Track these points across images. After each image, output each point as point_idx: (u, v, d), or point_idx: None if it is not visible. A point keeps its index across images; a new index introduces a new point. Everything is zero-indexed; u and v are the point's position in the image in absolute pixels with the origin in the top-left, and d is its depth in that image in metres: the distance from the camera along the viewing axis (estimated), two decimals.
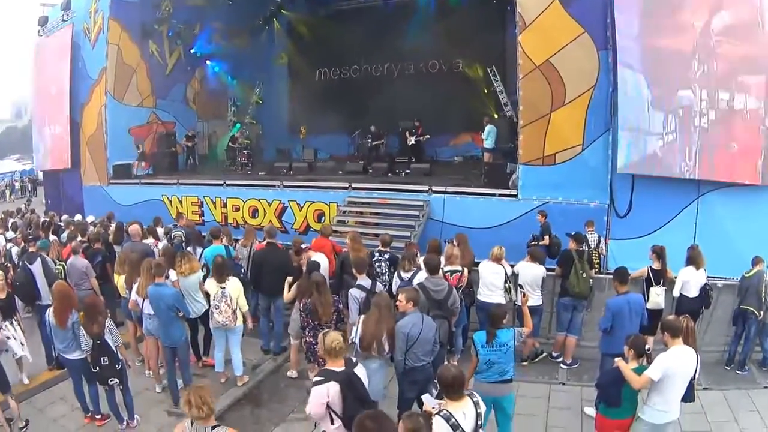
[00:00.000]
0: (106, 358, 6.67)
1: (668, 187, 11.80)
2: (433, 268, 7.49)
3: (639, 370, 5.49)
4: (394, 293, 7.99)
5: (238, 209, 16.36)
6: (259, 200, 16.12)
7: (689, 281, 8.55)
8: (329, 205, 15.07)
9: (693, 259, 8.65)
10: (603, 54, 12.29)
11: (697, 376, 5.64)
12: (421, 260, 8.15)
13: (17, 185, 38.59)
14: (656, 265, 8.68)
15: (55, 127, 21.80)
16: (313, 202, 15.41)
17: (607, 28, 12.22)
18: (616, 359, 5.74)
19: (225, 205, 16.59)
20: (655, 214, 11.90)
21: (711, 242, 9.19)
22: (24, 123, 72.32)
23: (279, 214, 15.77)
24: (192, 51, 22.49)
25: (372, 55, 23.49)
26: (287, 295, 8.36)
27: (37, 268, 9.36)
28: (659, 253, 8.72)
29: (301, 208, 15.51)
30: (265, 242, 9.75)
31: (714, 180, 11.48)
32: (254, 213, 16.11)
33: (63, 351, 6.98)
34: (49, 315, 6.93)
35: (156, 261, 7.95)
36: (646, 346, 5.67)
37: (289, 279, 8.45)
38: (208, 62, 23.41)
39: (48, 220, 15.58)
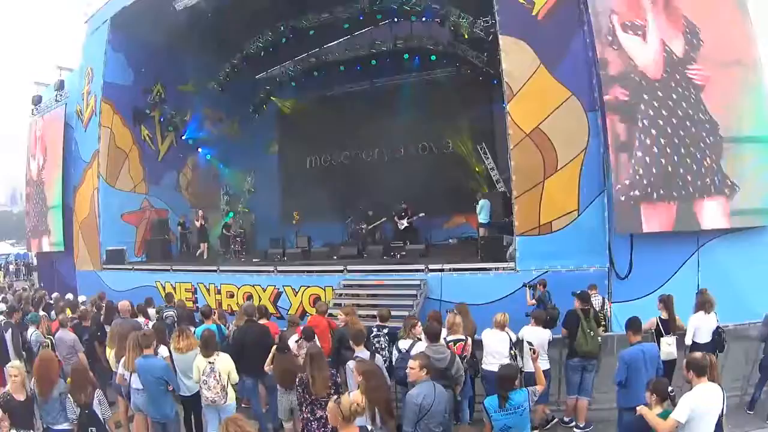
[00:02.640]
0: (93, 429, 6.30)
1: (668, 241, 11.81)
2: (433, 336, 7.18)
3: (664, 415, 5.16)
4: (394, 366, 7.76)
5: (232, 295, 16.06)
6: (253, 286, 15.82)
7: (700, 327, 8.35)
8: (324, 289, 14.78)
9: (702, 303, 8.50)
10: (591, 115, 12.45)
11: (724, 412, 5.34)
12: (420, 329, 7.88)
13: (12, 267, 38.23)
14: (664, 315, 8.46)
15: (48, 209, 21.97)
16: (308, 286, 15.13)
17: (593, 88, 12.42)
18: (638, 407, 5.39)
19: (219, 292, 16.31)
20: (656, 271, 11.75)
21: (717, 291, 8.94)
22: (20, 209, 71.97)
23: (274, 300, 15.44)
24: (184, 138, 22.67)
25: (362, 140, 23.77)
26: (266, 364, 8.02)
27: (8, 336, 9.67)
28: (666, 302, 8.52)
29: (297, 293, 15.20)
30: (243, 321, 9.42)
31: (713, 229, 11.59)
32: (249, 299, 15.66)
33: (50, 422, 6.52)
34: (33, 384, 6.54)
35: (143, 332, 7.63)
36: (669, 388, 5.34)
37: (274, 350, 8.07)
38: (200, 150, 23.60)
39: (39, 296, 15.25)
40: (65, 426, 6.48)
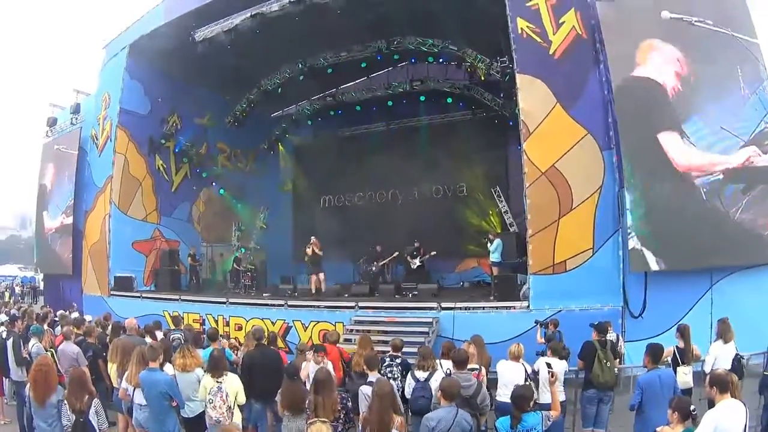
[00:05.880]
0: None
1: (681, 280, 11.79)
2: (461, 362, 7.10)
3: None
4: (408, 397, 7.59)
5: (240, 328, 15.79)
6: (262, 320, 15.54)
7: (720, 356, 8.22)
8: (335, 325, 14.52)
9: (722, 332, 8.43)
10: (607, 154, 12.50)
11: (747, 429, 5.21)
12: (438, 361, 7.81)
13: (17, 289, 38.13)
14: (681, 345, 8.36)
15: (58, 231, 22.18)
16: (319, 321, 14.88)
17: (609, 127, 12.50)
18: (658, 428, 5.24)
19: (227, 324, 16.08)
20: (670, 310, 11.60)
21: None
22: (28, 234, 72.03)
23: (283, 334, 15.21)
24: (198, 171, 22.77)
25: (376, 181, 23.94)
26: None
27: (9, 343, 9.77)
28: (683, 331, 8.43)
29: (306, 328, 14.99)
30: (254, 345, 9.17)
31: (727, 266, 11.60)
32: None
33: (45, 430, 6.29)
34: (28, 390, 6.36)
35: (150, 344, 7.46)
36: (691, 407, 5.17)
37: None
38: (213, 183, 23.59)
39: (44, 312, 15.09)
40: None
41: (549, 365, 7.72)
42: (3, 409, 10.93)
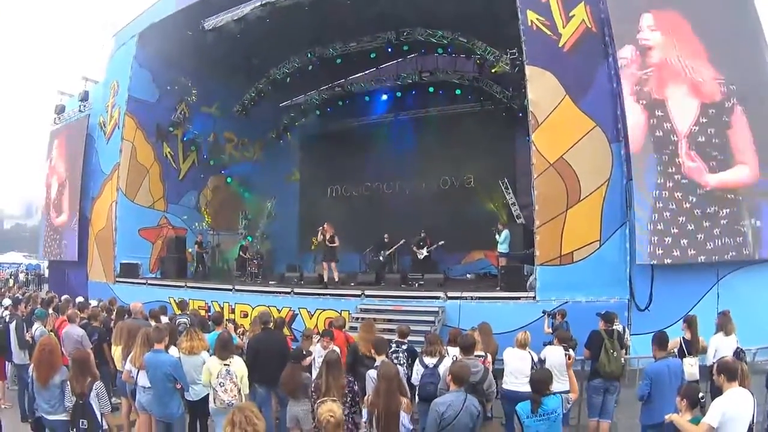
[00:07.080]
0: (85, 422, 6.01)
1: (688, 274, 11.77)
2: (468, 348, 7.09)
3: (695, 421, 5.00)
4: (414, 384, 7.59)
5: (246, 315, 15.83)
6: (268, 307, 15.48)
7: (720, 348, 8.21)
8: (341, 313, 14.46)
9: (722, 325, 8.46)
10: (615, 146, 12.49)
11: (755, 420, 5.20)
12: (446, 348, 7.83)
13: (22, 276, 38.02)
14: (688, 336, 8.37)
15: (64, 218, 22.20)
16: (324, 309, 14.93)
17: (617, 120, 12.48)
18: (667, 416, 5.21)
19: (233, 311, 16.13)
20: (676, 303, 11.51)
21: (738, 323, 8.75)
22: (34, 222, 71.79)
23: (289, 322, 15.21)
24: (206, 158, 22.83)
25: (383, 172, 23.94)
26: None
27: (12, 326, 9.79)
28: (690, 322, 8.46)
29: (312, 315, 15.02)
30: (260, 329, 9.16)
31: (733, 261, 11.60)
32: None
33: (47, 412, 6.27)
34: (32, 371, 6.36)
35: (156, 326, 7.45)
36: (700, 394, 5.17)
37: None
38: (221, 172, 23.65)
39: (49, 297, 15.19)
40: (62, 417, 6.24)
41: (566, 348, 7.76)
42: (4, 393, 10.97)
